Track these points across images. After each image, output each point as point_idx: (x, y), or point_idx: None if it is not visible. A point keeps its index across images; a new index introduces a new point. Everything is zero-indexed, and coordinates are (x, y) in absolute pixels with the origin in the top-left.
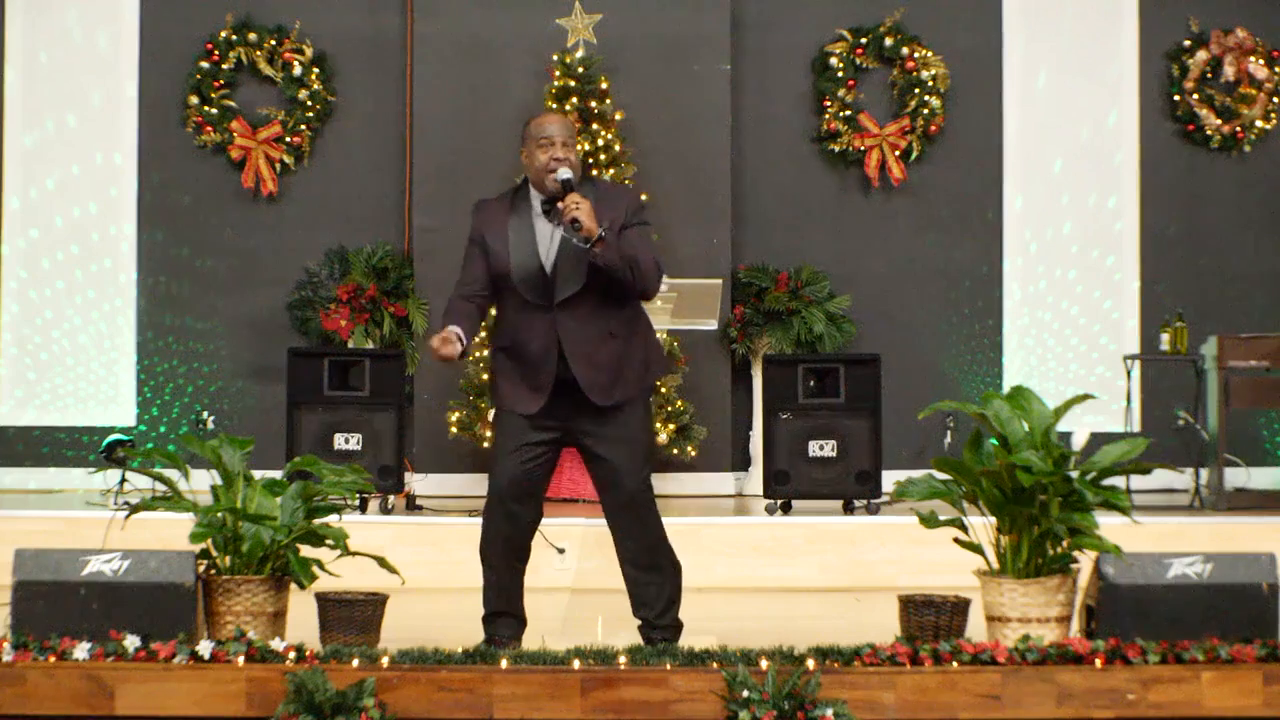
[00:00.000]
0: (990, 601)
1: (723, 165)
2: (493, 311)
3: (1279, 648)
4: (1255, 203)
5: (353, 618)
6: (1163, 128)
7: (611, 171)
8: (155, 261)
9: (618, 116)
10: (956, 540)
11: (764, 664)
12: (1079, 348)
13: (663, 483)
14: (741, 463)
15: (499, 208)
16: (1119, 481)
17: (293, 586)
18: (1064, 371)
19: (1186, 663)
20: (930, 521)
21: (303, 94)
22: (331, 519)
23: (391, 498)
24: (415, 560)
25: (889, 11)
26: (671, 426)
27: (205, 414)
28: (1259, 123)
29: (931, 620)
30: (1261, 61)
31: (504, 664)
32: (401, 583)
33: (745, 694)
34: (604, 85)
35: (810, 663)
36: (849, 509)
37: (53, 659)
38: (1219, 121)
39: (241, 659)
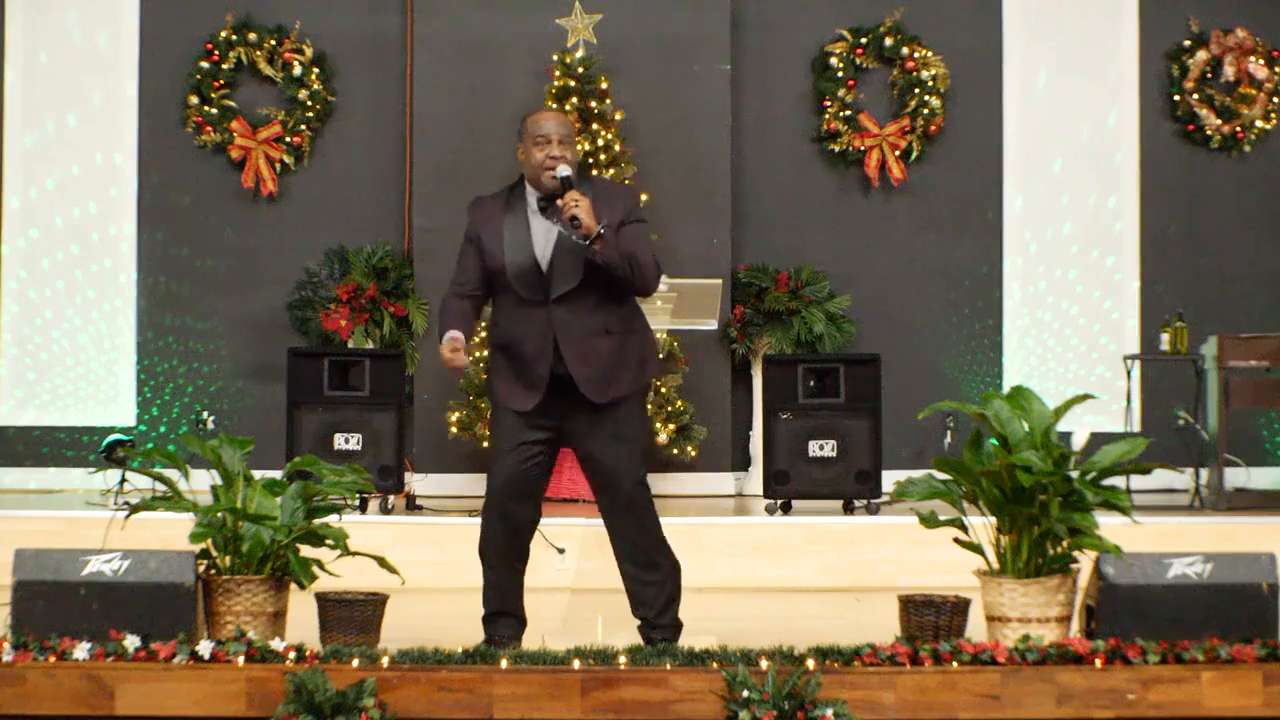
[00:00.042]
0: (990, 601)
1: (723, 165)
2: (489, 309)
3: (1279, 648)
4: (1255, 203)
5: (353, 618)
6: (1163, 128)
7: (611, 171)
8: (155, 261)
9: (618, 116)
10: (956, 540)
11: (764, 664)
12: (1079, 348)
13: (663, 483)
14: (741, 463)
15: (495, 205)
16: (1119, 481)
17: (293, 586)
18: (1064, 371)
19: (1186, 663)
20: (930, 521)
21: (303, 94)
22: (331, 519)
23: (391, 498)
24: (415, 560)
25: (889, 11)
26: (671, 426)
27: (205, 414)
28: (1259, 123)
29: (931, 620)
30: (1261, 61)
31: (504, 664)
32: (401, 583)
33: (745, 694)
34: (604, 85)
35: (810, 663)
36: (849, 509)
37: (53, 659)
38: (1219, 121)
39: (241, 659)
